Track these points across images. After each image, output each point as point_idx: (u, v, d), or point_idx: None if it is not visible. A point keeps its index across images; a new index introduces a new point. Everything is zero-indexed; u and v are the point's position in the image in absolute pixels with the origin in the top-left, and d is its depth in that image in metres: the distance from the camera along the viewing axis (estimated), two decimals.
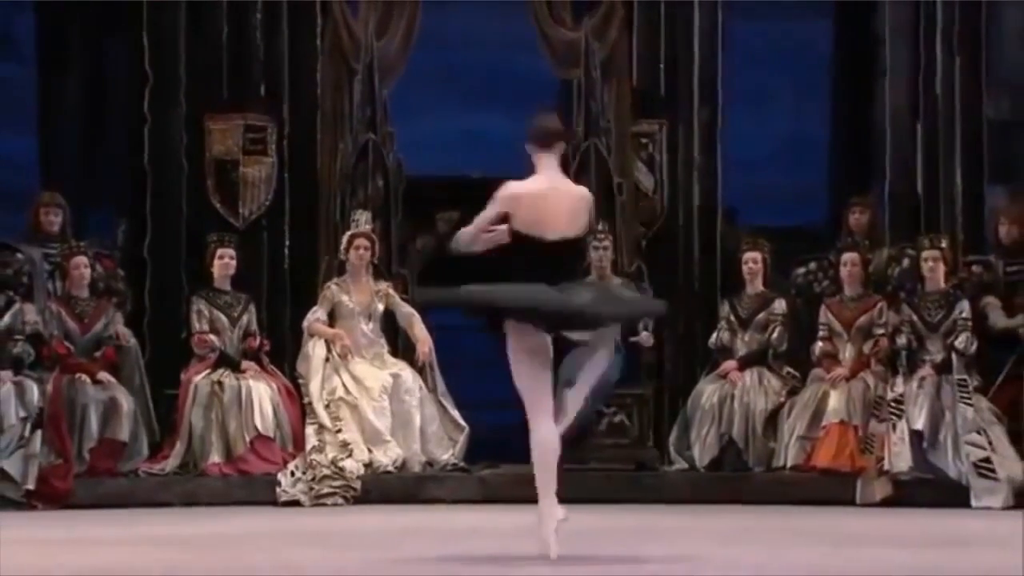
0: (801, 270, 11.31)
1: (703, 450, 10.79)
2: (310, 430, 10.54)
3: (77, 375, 10.49)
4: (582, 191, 7.28)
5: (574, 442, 10.35)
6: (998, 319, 10.74)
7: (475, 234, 7.18)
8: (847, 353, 10.79)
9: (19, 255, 10.80)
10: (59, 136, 12.51)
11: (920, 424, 10.19)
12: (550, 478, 7.05)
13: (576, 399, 7.19)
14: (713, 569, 7.22)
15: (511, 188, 7.11)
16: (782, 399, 10.78)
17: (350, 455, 10.42)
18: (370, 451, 10.52)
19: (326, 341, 10.75)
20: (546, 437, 7.06)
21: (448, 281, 7.31)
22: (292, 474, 10.34)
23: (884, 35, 11.99)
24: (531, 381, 7.05)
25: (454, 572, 7.14)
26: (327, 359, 10.74)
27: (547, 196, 7.10)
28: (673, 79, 11.93)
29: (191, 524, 9.29)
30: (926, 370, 10.37)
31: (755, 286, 11.07)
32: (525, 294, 6.98)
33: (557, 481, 7.05)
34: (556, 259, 7.07)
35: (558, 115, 7.47)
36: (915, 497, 10.06)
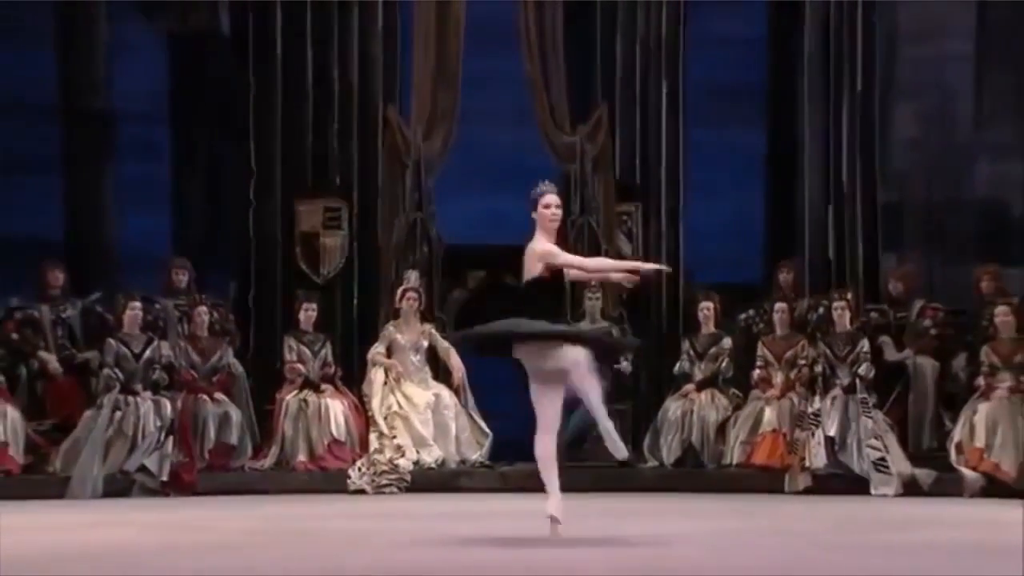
0: (743, 315, 11.24)
1: (669, 452, 10.73)
2: (372, 436, 10.50)
3: (199, 395, 10.50)
4: (531, 247, 6.92)
5: (575, 445, 10.35)
6: (890, 353, 10.77)
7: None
8: (778, 379, 10.72)
9: (157, 305, 10.85)
10: (187, 216, 12.50)
11: (833, 431, 10.16)
12: (553, 477, 6.92)
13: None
14: (678, 539, 7.24)
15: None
16: (729, 413, 10.70)
17: (403, 455, 10.39)
18: (418, 452, 10.47)
19: (385, 369, 10.71)
20: (547, 450, 6.89)
21: (476, 323, 7.26)
22: (359, 470, 10.30)
23: (803, 140, 12.01)
24: (547, 401, 6.85)
25: (480, 545, 7.04)
26: (385, 382, 10.66)
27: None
28: (646, 172, 11.94)
29: (284, 506, 9.29)
30: (837, 391, 10.34)
31: (708, 327, 10.98)
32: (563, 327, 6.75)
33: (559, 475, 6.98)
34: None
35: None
36: (829, 487, 10.02)
